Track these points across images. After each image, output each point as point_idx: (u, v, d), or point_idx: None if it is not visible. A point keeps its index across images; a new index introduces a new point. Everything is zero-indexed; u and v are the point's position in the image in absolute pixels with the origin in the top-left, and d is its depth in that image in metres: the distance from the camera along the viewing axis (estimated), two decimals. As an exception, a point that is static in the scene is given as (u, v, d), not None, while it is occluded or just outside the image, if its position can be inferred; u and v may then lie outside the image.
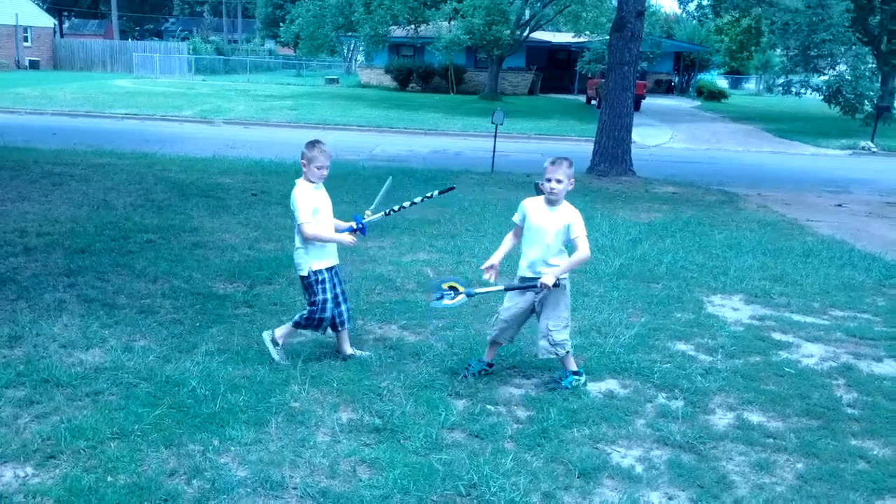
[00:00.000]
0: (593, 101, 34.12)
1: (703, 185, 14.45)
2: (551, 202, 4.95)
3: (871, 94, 26.54)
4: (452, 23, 33.28)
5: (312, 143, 5.21)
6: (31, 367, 4.93)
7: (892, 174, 18.29)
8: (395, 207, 5.60)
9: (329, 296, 5.17)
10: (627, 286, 7.52)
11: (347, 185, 12.58)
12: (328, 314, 5.19)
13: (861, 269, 8.56)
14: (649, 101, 36.24)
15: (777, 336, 6.36)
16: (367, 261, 8.04)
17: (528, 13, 36.38)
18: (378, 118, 26.40)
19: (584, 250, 4.93)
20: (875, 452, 4.45)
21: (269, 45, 73.80)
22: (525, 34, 36.41)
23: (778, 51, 33.73)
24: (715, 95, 44.00)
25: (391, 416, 4.55)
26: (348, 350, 5.43)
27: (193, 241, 8.51)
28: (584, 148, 18.06)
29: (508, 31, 34.14)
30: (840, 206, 13.32)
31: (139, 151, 15.60)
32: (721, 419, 4.81)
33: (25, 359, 5.07)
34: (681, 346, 6.01)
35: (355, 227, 5.31)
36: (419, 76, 41.56)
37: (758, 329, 6.50)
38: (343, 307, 5.30)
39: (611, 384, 5.23)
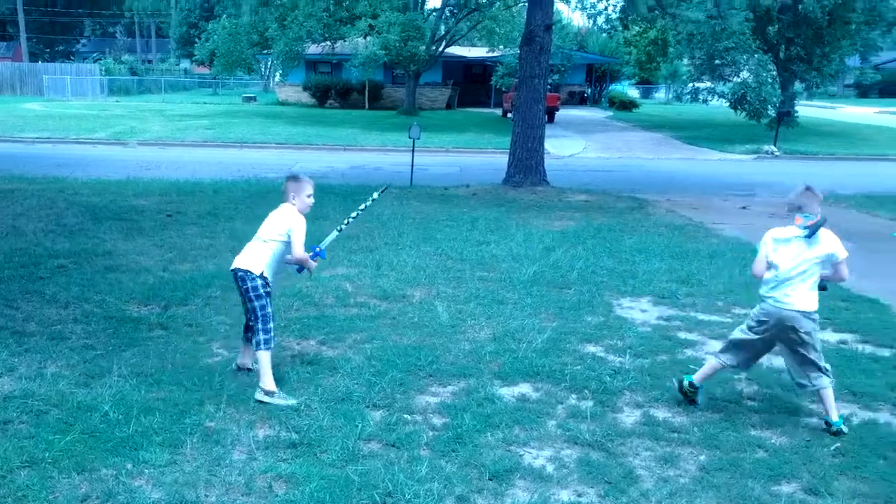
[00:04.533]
0: (509, 115, 34.61)
1: (614, 193, 14.87)
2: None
3: (774, 99, 27.70)
4: (368, 39, 33.37)
5: (297, 176, 5.40)
6: (-66, 400, 4.80)
7: (794, 176, 19.07)
8: (346, 222, 5.77)
9: (271, 305, 5.21)
10: (540, 292, 7.72)
11: (268, 204, 12.50)
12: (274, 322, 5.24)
13: (762, 268, 8.95)
14: (564, 113, 36.99)
15: (683, 335, 6.63)
16: (286, 277, 8.00)
17: (442, 28, 36.77)
18: (297, 135, 26.29)
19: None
20: (773, 441, 4.70)
21: (185, 64, 72.55)
22: (440, 49, 36.78)
23: (685, 60, 34.86)
24: (626, 105, 45.15)
25: (308, 430, 4.60)
26: (249, 364, 5.46)
27: (106, 264, 8.36)
28: (500, 160, 18.37)
29: (424, 47, 34.45)
30: (744, 208, 13.90)
31: (50, 176, 15.22)
32: (629, 417, 5.01)
33: (-72, 392, 4.93)
34: (591, 349, 6.22)
35: (311, 256, 5.40)
36: (337, 93, 41.50)
37: (664, 329, 6.76)
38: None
39: (524, 388, 5.39)
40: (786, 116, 28.57)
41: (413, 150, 16.03)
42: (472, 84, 46.04)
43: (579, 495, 4.05)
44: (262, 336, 5.11)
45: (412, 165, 15.86)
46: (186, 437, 4.47)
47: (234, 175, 16.37)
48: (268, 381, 5.06)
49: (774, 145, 25.07)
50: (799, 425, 4.91)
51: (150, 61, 74.89)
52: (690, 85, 32.10)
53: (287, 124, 30.16)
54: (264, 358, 5.09)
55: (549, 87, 19.22)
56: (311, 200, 5.36)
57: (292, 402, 4.98)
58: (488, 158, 21.45)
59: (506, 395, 5.26)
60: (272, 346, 5.16)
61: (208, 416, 4.74)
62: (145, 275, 8.01)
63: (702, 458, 4.48)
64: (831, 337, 6.65)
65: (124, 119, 31.13)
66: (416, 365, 5.68)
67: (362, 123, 30.83)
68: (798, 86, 31.75)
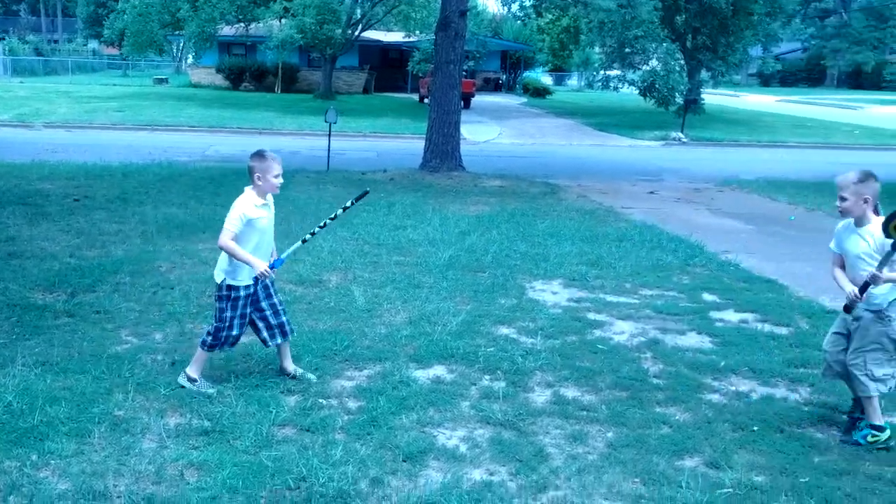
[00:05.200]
0: (426, 100, 34.68)
1: (528, 178, 15.08)
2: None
3: (682, 87, 28.53)
4: (283, 21, 32.81)
5: (262, 154, 4.83)
6: None
7: (699, 162, 19.80)
8: (313, 231, 5.21)
9: (238, 313, 4.89)
10: (456, 276, 7.81)
11: (179, 187, 12.26)
12: (236, 332, 4.93)
13: (669, 251, 9.27)
14: (479, 99, 37.23)
15: (592, 316, 6.82)
16: (199, 263, 7.91)
17: (358, 12, 36.47)
18: (210, 118, 25.69)
19: None
20: (677, 418, 4.88)
21: (93, 44, 69.88)
22: (357, 33, 36.50)
23: (596, 48, 35.56)
24: (540, 92, 45.75)
25: (221, 417, 4.56)
26: (290, 367, 5.20)
27: (9, 250, 8.06)
28: (416, 145, 18.39)
29: (340, 31, 34.13)
30: (652, 193, 14.31)
31: (-54, 159, 14.50)
32: (539, 396, 5.14)
33: None
34: (504, 331, 6.34)
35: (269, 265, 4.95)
36: (252, 75, 40.73)
37: (574, 310, 6.94)
38: (276, 320, 5.07)
39: (438, 370, 5.46)
40: (692, 104, 29.48)
41: (329, 135, 15.90)
42: (388, 69, 45.88)
43: (491, 474, 4.14)
44: (206, 337, 4.97)
45: (329, 150, 15.74)
46: (94, 426, 4.37)
47: (144, 158, 15.92)
48: (195, 369, 4.97)
49: (682, 132, 25.83)
50: (702, 402, 5.11)
51: (56, 41, 71.87)
52: (602, 72, 32.75)
53: (200, 107, 29.46)
54: (201, 353, 4.98)
55: (464, 73, 19.35)
56: (280, 181, 4.84)
57: (212, 391, 4.91)
58: (405, 143, 21.44)
59: (421, 377, 5.32)
60: (210, 351, 4.99)
61: (117, 405, 4.65)
62: (51, 261, 7.75)
63: (609, 435, 4.63)
64: (733, 317, 6.95)
65: (29, 101, 29.87)
66: (331, 350, 5.69)
67: (278, 107, 30.37)
68: (704, 74, 32.79)
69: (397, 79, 45.16)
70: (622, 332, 6.47)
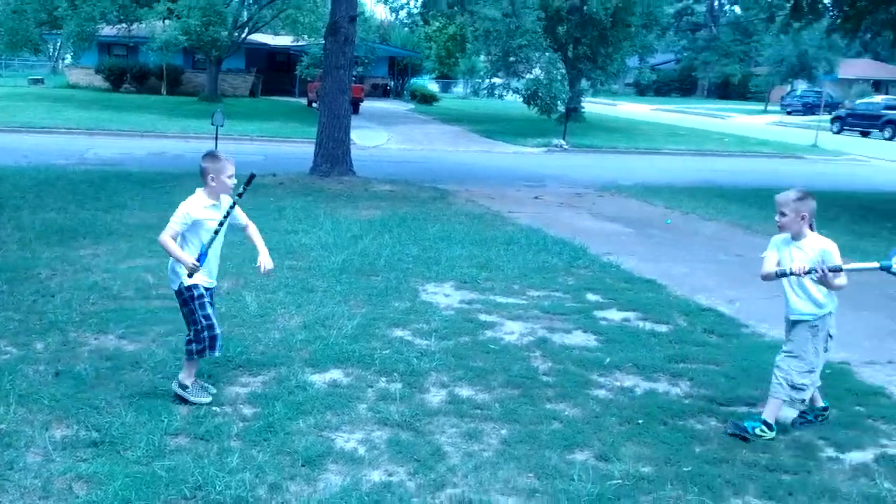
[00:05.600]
0: (314, 104, 34.37)
1: (417, 183, 15.21)
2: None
3: (563, 96, 29.39)
4: (167, 23, 31.83)
5: (214, 154, 4.83)
6: None
7: (580, 169, 20.44)
8: (216, 229, 4.83)
9: (207, 311, 4.78)
10: (349, 280, 7.82)
11: (57, 192, 11.73)
12: (217, 330, 4.82)
13: (554, 253, 9.57)
14: (368, 105, 37.21)
15: (483, 317, 6.97)
16: (80, 270, 7.61)
17: (245, 15, 35.81)
18: (88, 120, 24.64)
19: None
20: (567, 413, 5.06)
21: (-38, 43, 65.47)
22: (243, 36, 35.82)
23: (482, 56, 36.15)
24: (427, 99, 46.11)
25: (110, 428, 4.42)
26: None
27: None
28: (305, 149, 18.28)
29: (226, 33, 33.43)
30: (537, 198, 14.70)
31: None
32: (435, 396, 5.22)
33: None
34: (399, 333, 6.40)
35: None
36: (133, 77, 39.30)
37: (466, 312, 7.08)
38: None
39: (335, 374, 5.47)
40: (573, 112, 30.44)
41: (217, 138, 15.57)
42: (276, 72, 45.23)
43: (390, 475, 4.19)
44: (188, 346, 4.86)
45: (215, 154, 15.39)
46: (-28, 442, 4.16)
47: (18, 161, 15.12)
48: (185, 376, 4.87)
49: (563, 139, 26.60)
50: (589, 398, 5.31)
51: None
52: (487, 80, 33.32)
53: (78, 108, 28.20)
54: (190, 363, 4.87)
55: (353, 78, 19.30)
56: (234, 181, 4.81)
57: (205, 399, 4.85)
58: (294, 148, 21.21)
59: (317, 381, 5.31)
60: (200, 357, 4.87)
61: (-3, 419, 4.44)
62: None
63: (503, 432, 4.76)
64: (616, 315, 7.25)
65: None
66: (224, 356, 5.58)
67: (162, 109, 29.42)
68: (584, 83, 33.89)
69: (285, 82, 44.55)
70: (512, 332, 6.64)
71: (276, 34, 39.93)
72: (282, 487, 3.98)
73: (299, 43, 37.40)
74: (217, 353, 4.94)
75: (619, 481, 4.20)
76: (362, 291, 7.46)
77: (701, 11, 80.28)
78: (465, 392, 5.31)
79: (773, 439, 4.81)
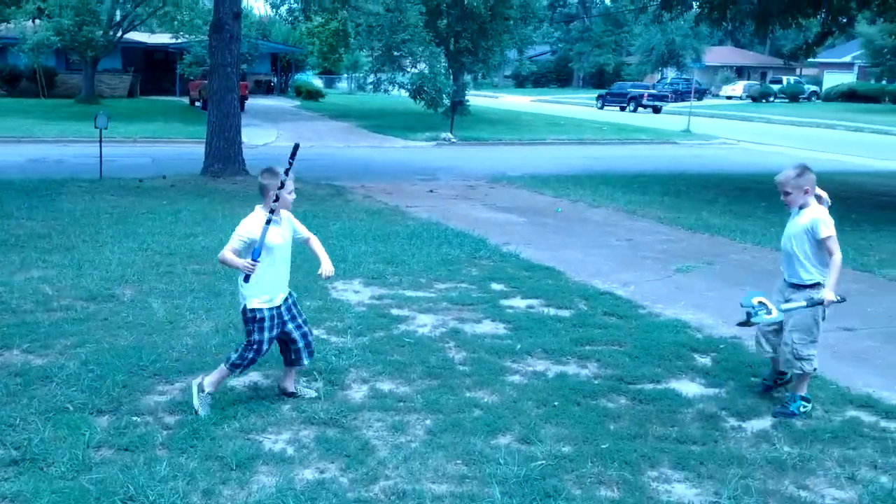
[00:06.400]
0: (197, 103, 33.44)
1: (313, 181, 15.12)
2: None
3: (448, 89, 29.70)
4: (38, 22, 30.28)
5: (273, 171, 4.79)
6: None
7: (469, 161, 20.76)
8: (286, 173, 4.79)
9: (265, 336, 4.87)
10: (256, 283, 7.76)
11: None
12: (261, 354, 4.94)
13: (455, 246, 9.78)
14: (252, 102, 36.50)
15: (395, 312, 7.09)
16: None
17: (119, 14, 34.43)
18: (-46, 127, 23.19)
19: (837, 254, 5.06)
20: (486, 400, 5.25)
21: None
22: (119, 35, 34.46)
23: (365, 51, 35.98)
24: (313, 95, 45.62)
25: (29, 445, 4.31)
26: (291, 387, 5.19)
27: None
28: (192, 150, 17.86)
29: (101, 32, 32.12)
30: (432, 191, 14.89)
31: None
32: (357, 392, 5.32)
33: None
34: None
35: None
36: (4, 79, 37.17)
37: (378, 307, 7.18)
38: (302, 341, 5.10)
39: (254, 377, 5.47)
40: (459, 105, 30.82)
41: (101, 141, 15.01)
42: (154, 71, 43.73)
43: (322, 472, 4.26)
44: (232, 354, 4.96)
45: (101, 157, 14.85)
46: None
47: None
48: (211, 381, 4.92)
49: (451, 132, 26.93)
50: (506, 384, 5.52)
51: None
52: (372, 75, 33.29)
53: (-59, 115, 26.48)
54: (224, 370, 4.95)
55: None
56: (293, 196, 4.93)
57: (204, 412, 4.82)
58: (180, 148, 20.64)
59: (237, 385, 5.31)
60: (232, 370, 4.96)
61: None
62: None
63: (428, 422, 4.90)
64: (521, 303, 7.52)
65: None
66: (137, 365, 5.52)
67: (37, 113, 27.94)
68: (467, 77, 34.37)
69: (164, 81, 43.14)
70: (424, 324, 6.79)
71: (153, 32, 38.51)
72: (215, 492, 4.00)
73: (178, 41, 36.27)
74: (245, 372, 5.20)
75: (543, 462, 4.41)
76: (271, 292, 7.43)
77: (573, 3, 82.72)
78: (386, 386, 5.43)
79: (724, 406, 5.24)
